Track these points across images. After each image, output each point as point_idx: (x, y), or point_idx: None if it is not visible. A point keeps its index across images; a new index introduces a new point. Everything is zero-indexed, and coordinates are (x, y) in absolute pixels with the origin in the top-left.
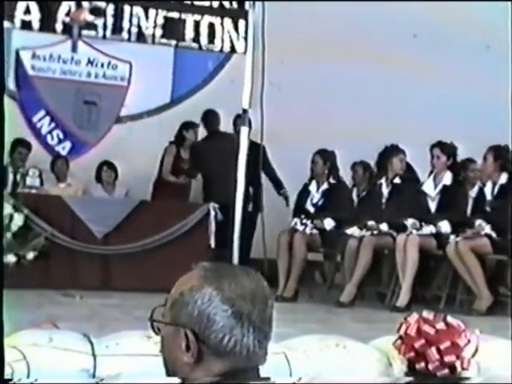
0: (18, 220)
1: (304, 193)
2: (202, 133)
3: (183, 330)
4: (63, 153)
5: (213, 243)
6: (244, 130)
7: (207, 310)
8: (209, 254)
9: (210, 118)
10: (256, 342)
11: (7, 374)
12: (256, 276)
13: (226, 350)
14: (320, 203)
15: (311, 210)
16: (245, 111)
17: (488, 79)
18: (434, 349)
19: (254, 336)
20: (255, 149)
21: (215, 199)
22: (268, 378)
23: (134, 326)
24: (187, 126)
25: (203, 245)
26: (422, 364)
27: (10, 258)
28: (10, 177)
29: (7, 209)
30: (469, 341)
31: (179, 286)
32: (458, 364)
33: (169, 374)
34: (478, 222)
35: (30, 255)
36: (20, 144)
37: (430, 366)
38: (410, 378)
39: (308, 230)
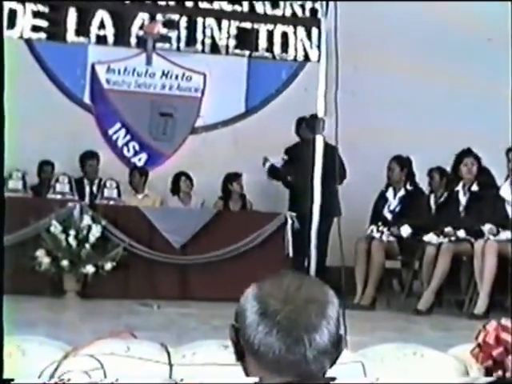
0: (96, 231)
1: (381, 200)
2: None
3: (231, 325)
4: (139, 164)
5: (290, 252)
6: (319, 138)
7: (243, 306)
8: (286, 263)
9: (301, 124)
10: (282, 343)
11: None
12: (310, 282)
13: (254, 348)
14: (397, 210)
15: (388, 216)
16: (320, 119)
17: None
18: (511, 357)
19: (279, 337)
20: (330, 153)
21: (298, 208)
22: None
23: (210, 336)
24: (230, 178)
25: (280, 254)
26: (500, 373)
27: (89, 269)
28: (87, 188)
29: (86, 220)
30: None
31: None
32: None
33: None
34: None
35: (109, 266)
36: (87, 156)
37: (508, 375)
38: (492, 378)
39: (385, 238)
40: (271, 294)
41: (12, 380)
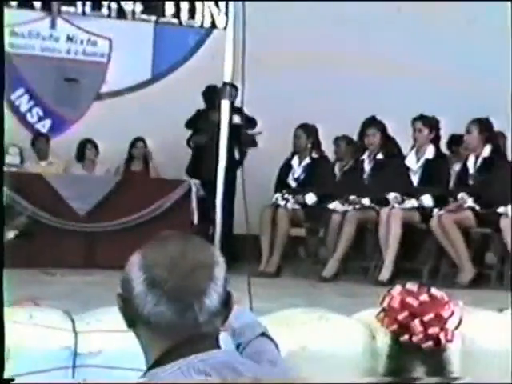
0: None
1: (286, 167)
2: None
3: (117, 294)
4: (43, 130)
5: (195, 220)
6: (225, 103)
7: (129, 276)
8: (191, 230)
9: (208, 93)
10: (172, 312)
11: None
12: (195, 245)
13: (145, 318)
14: (302, 178)
15: (293, 184)
16: (226, 84)
17: (468, 53)
18: (417, 321)
19: (169, 306)
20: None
21: (201, 175)
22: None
23: (116, 303)
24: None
25: (186, 221)
26: (406, 336)
27: None
28: None
29: None
30: (452, 312)
31: None
32: (442, 336)
33: None
34: (461, 195)
35: (12, 234)
36: None
37: (414, 339)
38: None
39: (290, 205)
40: (157, 262)
41: (12, 380)
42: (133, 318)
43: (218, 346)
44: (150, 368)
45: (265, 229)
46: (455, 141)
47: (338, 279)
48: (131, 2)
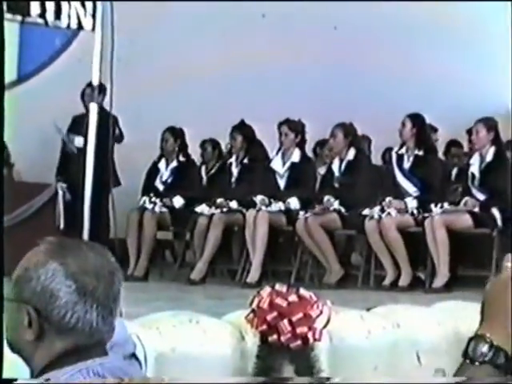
0: None
1: (153, 171)
2: None
3: (25, 306)
4: None
5: (61, 224)
6: (93, 106)
7: (50, 286)
8: (58, 235)
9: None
10: (100, 318)
11: None
12: (102, 251)
13: (69, 327)
14: (169, 181)
15: (160, 188)
16: (93, 87)
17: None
18: (286, 321)
19: (98, 312)
20: (105, 120)
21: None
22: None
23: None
24: None
25: (52, 226)
26: (275, 336)
27: None
28: None
29: None
30: (321, 312)
31: (24, 261)
32: (310, 335)
33: (14, 351)
34: (327, 197)
35: None
36: None
37: (283, 338)
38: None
39: (157, 209)
40: (83, 270)
41: (15, 380)
42: (44, 329)
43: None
44: (41, 371)
45: (131, 232)
46: (319, 144)
47: (205, 282)
48: None
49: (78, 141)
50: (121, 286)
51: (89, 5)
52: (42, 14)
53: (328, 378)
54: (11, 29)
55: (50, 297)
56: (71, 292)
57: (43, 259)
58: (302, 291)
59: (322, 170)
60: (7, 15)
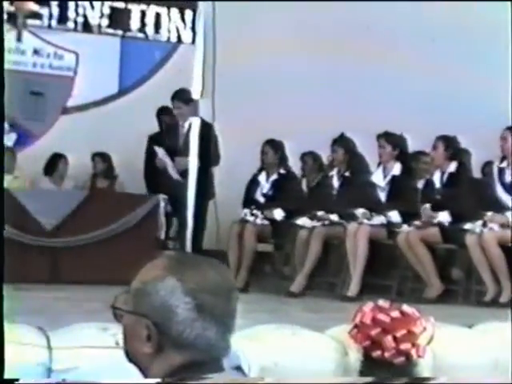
0: None
1: (253, 183)
2: None
3: (144, 320)
4: (9, 144)
5: (162, 235)
6: (195, 121)
7: (169, 302)
8: (158, 246)
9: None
10: (218, 335)
11: None
12: (221, 268)
13: (187, 343)
14: (270, 193)
15: (261, 200)
16: (195, 101)
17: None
18: (390, 337)
19: (216, 329)
20: (206, 135)
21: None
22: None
23: (84, 319)
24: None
25: (153, 237)
26: (378, 352)
27: None
28: None
29: None
30: (424, 328)
31: (143, 274)
32: (413, 352)
33: (131, 361)
34: (424, 206)
35: None
36: None
37: (386, 354)
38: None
39: (258, 221)
40: (202, 288)
41: (17, 380)
42: (162, 343)
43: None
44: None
45: (232, 244)
46: (414, 157)
47: (305, 295)
48: (97, 16)
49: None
50: (237, 302)
51: (188, 18)
52: (142, 29)
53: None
54: (112, 43)
55: (169, 313)
56: (190, 309)
57: (161, 274)
58: (405, 307)
59: (419, 184)
60: (108, 30)
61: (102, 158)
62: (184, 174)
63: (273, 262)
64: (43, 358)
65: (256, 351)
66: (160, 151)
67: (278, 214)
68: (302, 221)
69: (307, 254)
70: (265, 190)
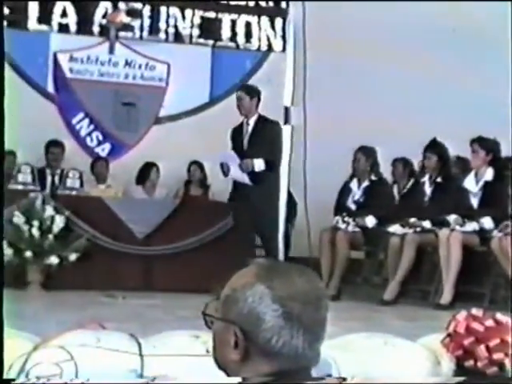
0: (60, 222)
1: (345, 190)
2: None
3: (233, 326)
4: (102, 154)
5: (255, 243)
6: (287, 129)
7: (257, 309)
8: (251, 253)
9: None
10: (306, 343)
11: (56, 374)
12: (311, 276)
13: (274, 351)
14: (362, 200)
15: (353, 207)
16: (287, 109)
17: None
18: (483, 346)
19: (304, 338)
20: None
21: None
22: (321, 379)
23: (176, 326)
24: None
25: (244, 245)
26: (471, 362)
27: (53, 260)
28: (49, 179)
29: (48, 211)
30: None
31: (233, 281)
32: (507, 361)
33: (220, 368)
34: None
35: (72, 256)
36: (52, 144)
37: (479, 364)
38: (462, 378)
39: (350, 228)
40: (290, 295)
41: (13, 380)
42: (250, 351)
43: None
44: None
45: (325, 252)
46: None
47: (397, 303)
48: (188, 27)
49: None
50: (327, 312)
51: (278, 26)
52: (233, 38)
53: None
54: (203, 53)
55: (257, 320)
56: (277, 316)
57: (251, 281)
58: (499, 316)
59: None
60: (199, 40)
61: (198, 166)
62: (253, 177)
63: (365, 269)
64: (135, 364)
65: (347, 360)
66: (224, 155)
67: (370, 221)
68: (394, 228)
69: (400, 261)
70: (356, 197)
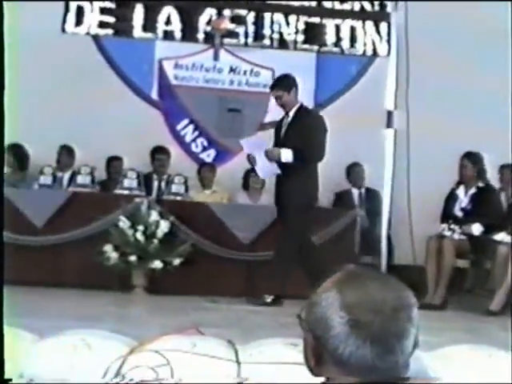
0: (164, 227)
1: (451, 197)
2: None
3: (309, 331)
4: (208, 160)
5: (357, 250)
6: (390, 132)
7: (327, 314)
8: (354, 261)
9: None
10: (375, 355)
11: (153, 380)
12: (393, 285)
13: (343, 360)
14: (468, 208)
15: (459, 215)
16: (390, 113)
17: None
18: None
19: (373, 348)
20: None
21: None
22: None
23: (278, 333)
24: None
25: (348, 252)
26: None
27: (157, 264)
28: (155, 184)
29: (153, 215)
30: None
31: (321, 286)
32: None
33: (312, 373)
34: None
35: (176, 261)
36: (158, 150)
37: None
38: None
39: (456, 236)
40: (360, 303)
41: (10, 380)
42: (323, 357)
43: None
44: None
45: (431, 260)
46: None
47: (504, 313)
48: (293, 32)
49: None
50: (409, 323)
51: (383, 31)
52: (338, 43)
53: None
54: (308, 59)
55: (326, 325)
56: (344, 323)
57: (329, 286)
58: None
59: None
60: (304, 45)
61: None
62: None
63: (471, 278)
64: (231, 371)
65: (449, 372)
66: (249, 143)
67: (477, 229)
68: (501, 236)
69: (507, 270)
70: (463, 205)
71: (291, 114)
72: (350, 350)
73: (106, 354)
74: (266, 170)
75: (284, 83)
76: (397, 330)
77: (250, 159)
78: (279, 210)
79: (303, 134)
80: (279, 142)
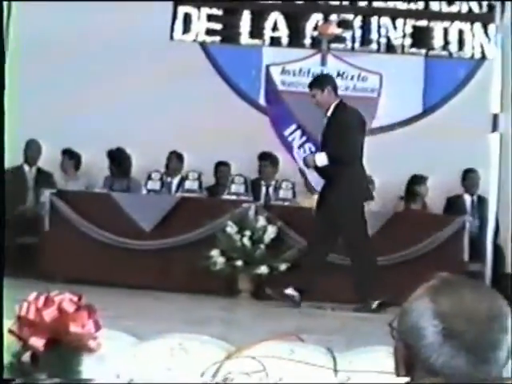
0: (272, 232)
1: None
2: None
3: (399, 340)
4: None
5: (466, 257)
6: (495, 137)
7: (419, 323)
8: (462, 268)
9: None
10: (470, 364)
11: None
12: (486, 294)
13: (435, 369)
14: None
15: None
16: (495, 116)
17: None
18: None
19: (468, 358)
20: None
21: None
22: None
23: (382, 341)
24: (415, 181)
25: (457, 258)
26: None
27: (263, 269)
28: (263, 189)
29: (261, 221)
30: None
31: (413, 294)
32: None
33: None
34: None
35: (283, 266)
36: (265, 156)
37: None
38: None
39: None
40: (454, 312)
41: (13, 380)
42: (414, 366)
43: None
44: None
45: None
46: None
47: None
48: (400, 36)
49: None
50: (503, 333)
51: (492, 33)
52: (446, 46)
53: None
54: (416, 62)
55: (418, 334)
56: (437, 333)
57: (421, 294)
58: None
59: None
60: (412, 49)
61: (421, 181)
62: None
63: None
64: (329, 379)
65: None
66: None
67: None
68: None
69: None
70: None
71: (329, 112)
72: (443, 360)
73: (202, 359)
74: (317, 180)
75: (318, 82)
76: (491, 340)
77: (301, 172)
78: (324, 217)
79: (338, 132)
80: (321, 144)
